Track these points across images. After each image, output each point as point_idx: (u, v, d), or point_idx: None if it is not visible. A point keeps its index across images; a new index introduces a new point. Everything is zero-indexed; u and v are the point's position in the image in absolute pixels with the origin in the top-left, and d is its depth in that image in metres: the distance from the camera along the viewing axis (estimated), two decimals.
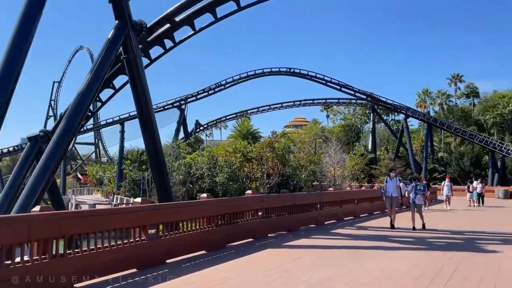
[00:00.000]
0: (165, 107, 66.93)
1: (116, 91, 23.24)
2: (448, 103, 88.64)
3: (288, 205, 14.12)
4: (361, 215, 18.87)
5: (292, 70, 66.33)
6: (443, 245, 11.39)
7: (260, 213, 12.40)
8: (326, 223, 16.34)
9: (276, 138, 61.92)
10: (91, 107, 21.55)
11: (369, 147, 74.06)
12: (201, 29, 20.03)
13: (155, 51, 21.44)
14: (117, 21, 17.56)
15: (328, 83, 65.97)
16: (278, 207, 13.44)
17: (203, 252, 9.46)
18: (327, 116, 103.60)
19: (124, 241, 7.49)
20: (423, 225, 14.43)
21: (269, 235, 12.52)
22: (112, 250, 7.14)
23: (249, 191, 12.71)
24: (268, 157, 50.05)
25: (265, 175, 49.67)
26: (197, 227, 9.73)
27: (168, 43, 20.54)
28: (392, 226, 14.52)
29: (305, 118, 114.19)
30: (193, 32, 20.29)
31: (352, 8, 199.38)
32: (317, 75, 66.08)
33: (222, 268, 7.89)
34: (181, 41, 20.46)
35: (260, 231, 12.12)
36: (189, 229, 9.51)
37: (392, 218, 14.74)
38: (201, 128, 78.63)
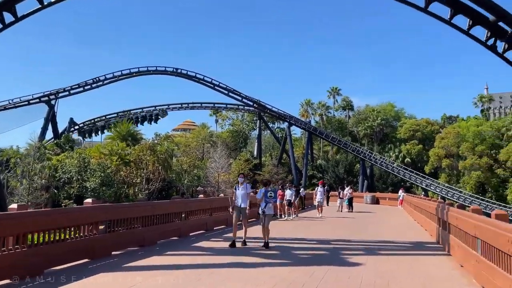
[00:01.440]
0: (30, 101, 58.83)
1: None
2: (327, 114, 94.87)
3: (145, 215, 12.05)
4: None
5: (179, 71, 63.92)
6: (307, 258, 10.46)
7: (101, 227, 10.12)
8: (192, 234, 14.61)
9: (159, 141, 58.64)
10: None
11: (255, 153, 75.07)
12: (50, 4, 16.74)
13: None
14: None
15: (216, 87, 65.08)
16: (128, 219, 11.28)
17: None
18: (216, 121, 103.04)
19: None
20: (266, 244, 11.64)
21: (113, 253, 10.31)
22: None
23: (88, 200, 10.31)
24: (149, 160, 46.85)
25: (144, 180, 46.41)
26: None
27: (8, 17, 16.79)
28: (233, 244, 11.58)
29: (194, 122, 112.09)
30: (40, 6, 16.86)
31: (246, 17, 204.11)
32: (205, 78, 64.82)
33: None
34: (24, 16, 16.85)
35: (100, 248, 9.83)
36: None
37: (234, 233, 12.08)
38: (76, 127, 71.08)
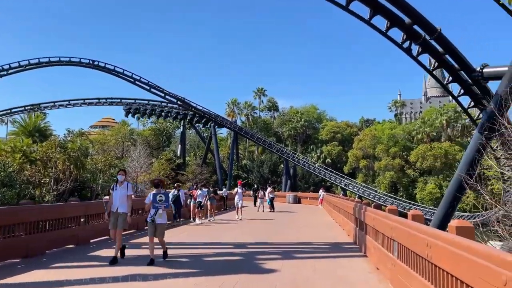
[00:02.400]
0: None
1: None
2: (253, 114, 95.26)
3: (31, 221, 10.21)
4: (145, 227, 15.96)
5: (95, 63, 59.60)
6: (219, 265, 9.44)
7: None
8: (93, 241, 12.91)
9: (72, 137, 54.10)
10: None
11: (178, 152, 72.78)
12: None
13: None
14: None
15: (136, 82, 61.80)
16: (6, 226, 9.42)
17: None
18: (138, 118, 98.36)
19: None
20: (165, 253, 9.85)
21: None
22: None
23: None
24: (59, 159, 42.79)
25: (53, 180, 42.30)
26: None
27: None
28: (114, 261, 9.29)
29: (114, 119, 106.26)
30: None
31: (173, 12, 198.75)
32: (125, 72, 61.31)
33: None
34: None
35: None
36: None
37: (117, 246, 9.69)
38: None
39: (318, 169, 66.82)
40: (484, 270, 3.50)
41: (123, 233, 10.32)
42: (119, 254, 9.74)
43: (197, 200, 19.63)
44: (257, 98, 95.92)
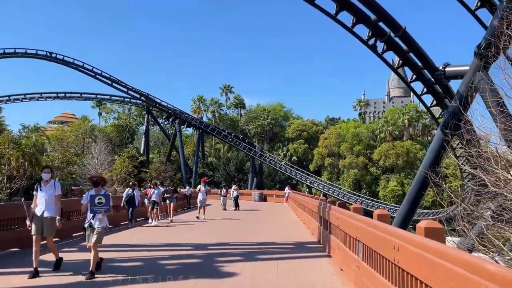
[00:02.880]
0: None
1: None
2: (220, 111, 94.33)
3: None
4: (74, 234, 14.43)
5: (53, 55, 56.82)
6: (174, 270, 8.77)
7: None
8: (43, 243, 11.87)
9: (26, 133, 51.45)
10: None
11: (142, 149, 70.91)
12: None
13: None
14: None
15: (97, 76, 59.48)
16: None
17: None
18: (100, 114, 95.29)
19: None
20: (98, 265, 8.12)
21: None
22: None
23: None
24: (12, 155, 40.52)
25: (6, 177, 39.94)
26: None
27: None
28: (35, 274, 7.73)
29: (74, 115, 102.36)
30: None
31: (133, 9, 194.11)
32: (85, 65, 58.83)
33: None
34: None
35: None
36: None
37: (35, 258, 7.95)
38: None
39: (284, 166, 66.92)
40: (460, 279, 3.11)
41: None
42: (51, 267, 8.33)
43: (151, 199, 18.57)
44: (224, 95, 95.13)
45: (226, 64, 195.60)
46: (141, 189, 32.92)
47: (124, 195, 17.69)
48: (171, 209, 19.74)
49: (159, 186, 19.70)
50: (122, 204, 17.42)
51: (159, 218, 19.41)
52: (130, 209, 17.42)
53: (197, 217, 20.41)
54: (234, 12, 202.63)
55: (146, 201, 18.92)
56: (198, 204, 21.18)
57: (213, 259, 10.02)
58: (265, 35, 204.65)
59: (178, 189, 33.56)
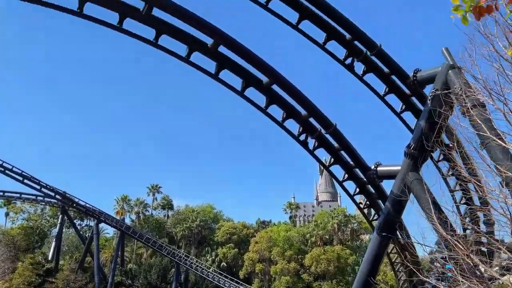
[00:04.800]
0: None
1: None
2: (145, 212, 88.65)
3: None
4: None
5: None
6: None
7: None
8: None
9: None
10: None
11: (50, 254, 62.45)
12: None
13: None
14: None
15: (7, 172, 53.52)
16: None
17: None
18: (7, 215, 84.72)
19: None
20: None
21: None
22: None
23: None
24: None
25: None
26: None
27: None
28: None
29: None
30: None
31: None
32: None
33: None
34: None
35: None
36: None
37: None
38: None
39: (212, 274, 61.76)
40: None
41: None
42: None
43: None
44: (151, 195, 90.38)
45: (155, 162, 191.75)
46: None
47: None
48: None
49: None
50: None
51: None
52: None
53: None
54: (165, 104, 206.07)
55: None
56: None
57: None
58: (200, 132, 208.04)
59: None
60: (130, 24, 14.20)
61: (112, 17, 14.27)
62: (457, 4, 3.82)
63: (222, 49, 15.22)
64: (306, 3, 15.45)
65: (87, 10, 13.77)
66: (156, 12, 14.12)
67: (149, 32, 14.69)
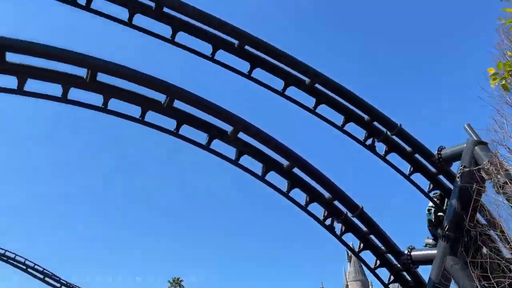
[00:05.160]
0: None
1: None
2: None
3: None
4: None
5: None
6: None
7: None
8: None
9: None
10: None
11: None
12: None
13: None
14: None
15: (29, 270, 52.25)
16: None
17: None
18: None
19: None
20: None
21: None
22: None
23: None
24: None
25: None
26: None
27: None
28: None
29: None
30: None
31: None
32: (17, 257, 51.85)
33: None
34: None
35: None
36: None
37: None
38: None
39: None
40: None
41: None
42: None
43: None
44: None
45: (177, 252, 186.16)
46: None
47: None
48: None
49: None
50: None
51: None
52: None
53: None
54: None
55: None
56: None
57: None
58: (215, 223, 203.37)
59: None
60: (151, 115, 14.74)
61: (135, 111, 14.93)
62: (494, 72, 3.60)
63: (241, 135, 15.36)
64: (321, 88, 15.84)
65: (111, 106, 14.49)
66: (177, 103, 14.70)
67: (169, 123, 15.13)
